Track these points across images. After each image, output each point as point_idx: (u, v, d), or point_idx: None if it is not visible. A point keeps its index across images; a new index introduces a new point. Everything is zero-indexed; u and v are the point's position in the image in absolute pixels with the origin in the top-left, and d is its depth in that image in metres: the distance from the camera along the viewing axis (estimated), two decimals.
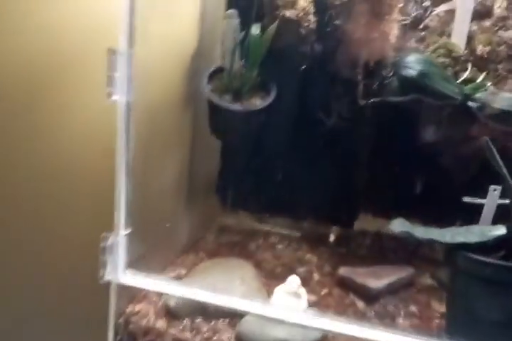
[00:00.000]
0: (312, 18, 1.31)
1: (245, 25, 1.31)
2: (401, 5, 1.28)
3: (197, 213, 1.54)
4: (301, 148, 1.41)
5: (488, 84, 1.27)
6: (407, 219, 1.12)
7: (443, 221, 1.12)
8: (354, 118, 1.37)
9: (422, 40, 1.39)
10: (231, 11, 1.32)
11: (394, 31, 1.27)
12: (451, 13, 1.37)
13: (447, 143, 1.33)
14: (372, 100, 1.32)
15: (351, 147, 1.40)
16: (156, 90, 1.20)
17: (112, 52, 0.95)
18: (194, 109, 1.42)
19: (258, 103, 1.35)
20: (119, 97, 0.97)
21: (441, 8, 1.37)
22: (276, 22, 1.26)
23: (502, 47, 1.33)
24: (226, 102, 1.33)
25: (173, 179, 1.40)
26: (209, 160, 1.52)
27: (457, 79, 1.32)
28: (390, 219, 1.12)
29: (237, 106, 1.33)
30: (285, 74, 1.36)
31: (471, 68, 1.33)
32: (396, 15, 1.27)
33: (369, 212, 1.47)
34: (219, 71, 1.38)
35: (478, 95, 1.27)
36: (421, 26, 1.39)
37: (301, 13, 1.29)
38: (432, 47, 1.36)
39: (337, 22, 1.28)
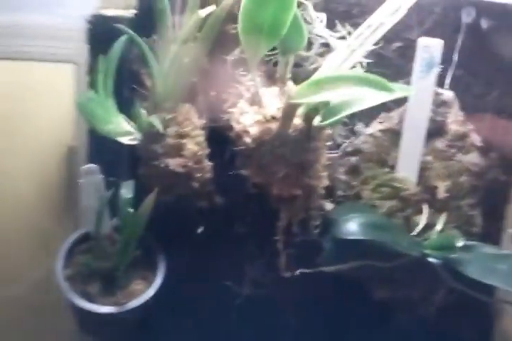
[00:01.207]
0: (207, 165, 1.11)
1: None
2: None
3: None
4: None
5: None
6: None
7: None
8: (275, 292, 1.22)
9: (353, 171, 1.17)
10: (90, 166, 1.14)
11: (321, 183, 1.07)
12: (391, 133, 1.17)
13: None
14: (299, 271, 1.12)
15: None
16: None
17: None
18: None
19: (138, 292, 1.15)
20: None
21: (376, 128, 1.17)
22: (153, 196, 1.05)
23: (464, 177, 1.15)
24: (89, 300, 1.13)
25: None
26: None
27: (409, 226, 1.15)
28: None
29: (106, 309, 1.11)
30: (177, 241, 1.19)
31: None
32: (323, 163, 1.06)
33: None
34: (82, 241, 1.18)
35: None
36: (349, 149, 1.18)
37: (191, 162, 1.07)
38: (371, 185, 1.16)
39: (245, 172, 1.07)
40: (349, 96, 0.90)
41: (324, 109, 0.99)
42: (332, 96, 0.90)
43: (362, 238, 1.04)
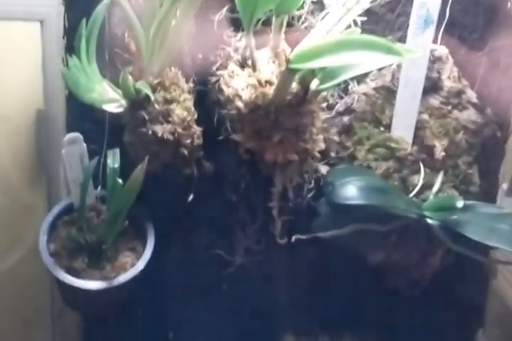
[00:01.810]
0: (196, 130, 1.13)
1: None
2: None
3: None
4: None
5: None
6: None
7: None
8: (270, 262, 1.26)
9: (346, 132, 1.22)
10: (73, 135, 1.15)
11: (316, 146, 1.11)
12: (384, 90, 1.20)
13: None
14: (295, 236, 1.15)
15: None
16: None
17: None
18: None
19: (129, 264, 1.18)
20: None
21: (370, 85, 1.21)
22: (142, 166, 1.07)
23: (460, 135, 1.19)
24: (77, 275, 1.15)
25: None
26: None
27: (406, 187, 1.19)
28: None
29: (94, 284, 1.14)
30: (166, 209, 1.21)
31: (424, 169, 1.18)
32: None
33: None
34: (65, 213, 1.20)
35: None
36: (341, 109, 1.23)
37: (180, 128, 1.09)
38: (365, 146, 1.20)
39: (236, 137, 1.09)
40: (353, 60, 0.92)
41: (321, 72, 1.00)
42: (335, 61, 0.90)
43: (361, 203, 1.07)
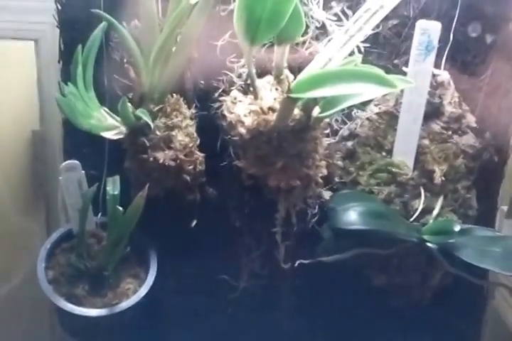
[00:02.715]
0: (199, 156, 1.11)
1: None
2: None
3: None
4: None
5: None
6: None
7: None
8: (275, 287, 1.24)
9: (350, 157, 1.20)
10: (71, 163, 1.12)
11: (319, 172, 1.09)
12: (387, 116, 1.18)
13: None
14: (299, 261, 1.12)
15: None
16: None
17: None
18: None
19: (131, 291, 1.15)
20: None
21: (373, 110, 1.19)
22: (143, 193, 1.04)
23: (460, 160, 1.18)
24: (78, 302, 1.12)
25: None
26: None
27: (407, 211, 1.17)
28: None
29: (95, 311, 1.11)
30: (169, 236, 1.19)
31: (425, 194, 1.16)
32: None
33: None
34: (64, 240, 1.17)
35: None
36: (345, 134, 1.21)
37: (182, 154, 1.07)
38: (368, 171, 1.18)
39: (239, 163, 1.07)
40: (349, 91, 0.91)
41: (323, 100, 0.99)
42: (334, 91, 0.90)
43: (362, 228, 1.06)
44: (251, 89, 1.03)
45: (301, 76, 0.96)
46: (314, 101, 0.99)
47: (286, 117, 0.99)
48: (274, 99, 1.02)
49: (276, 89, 1.03)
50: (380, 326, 1.29)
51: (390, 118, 1.17)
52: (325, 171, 1.09)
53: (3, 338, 1.31)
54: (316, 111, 1.00)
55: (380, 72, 0.86)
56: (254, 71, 1.00)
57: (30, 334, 1.37)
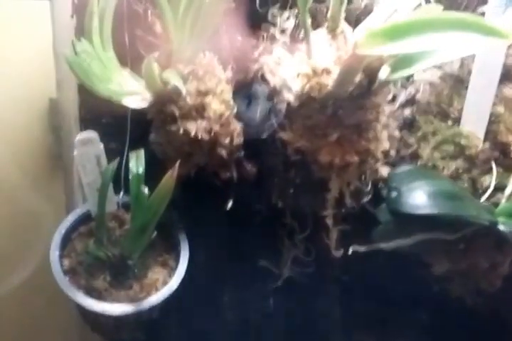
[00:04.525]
0: (236, 128, 0.93)
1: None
2: None
3: None
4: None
5: None
6: None
7: None
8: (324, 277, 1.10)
9: (408, 126, 1.00)
10: (86, 135, 0.96)
11: (381, 146, 0.89)
12: (451, 79, 1.01)
13: None
14: (353, 248, 0.97)
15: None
16: None
17: None
18: None
19: (160, 282, 0.98)
20: None
21: (435, 74, 0.99)
22: (173, 171, 0.87)
23: None
24: (98, 296, 0.95)
25: None
26: None
27: (475, 189, 1.01)
28: None
29: (119, 308, 0.93)
30: (202, 218, 1.02)
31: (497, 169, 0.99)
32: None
33: None
34: (81, 223, 1.01)
35: None
36: (403, 99, 1.00)
37: (217, 125, 0.89)
38: (432, 143, 0.99)
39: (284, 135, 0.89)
40: (441, 44, 0.70)
41: (393, 59, 0.80)
42: (417, 45, 0.69)
43: (433, 213, 0.90)
44: (300, 46, 0.85)
45: (370, 28, 0.78)
46: (381, 61, 0.80)
47: (349, 81, 0.80)
48: (332, 58, 0.83)
49: (332, 46, 0.83)
50: (440, 317, 1.16)
51: (456, 82, 1.01)
52: (387, 145, 0.92)
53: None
54: (383, 73, 0.81)
55: (482, 19, 0.64)
56: (309, 21, 0.77)
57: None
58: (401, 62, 0.79)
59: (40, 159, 1.15)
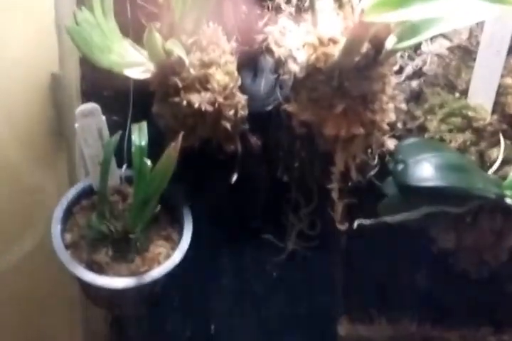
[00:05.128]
0: (241, 99, 0.90)
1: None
2: None
3: None
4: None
5: None
6: None
7: None
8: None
9: (415, 98, 0.98)
10: (88, 106, 0.92)
11: (386, 117, 0.87)
12: (459, 50, 0.98)
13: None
14: (358, 221, 0.95)
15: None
16: None
17: None
18: None
19: (162, 256, 0.95)
20: None
21: (442, 45, 0.97)
22: (176, 143, 0.84)
23: None
24: (100, 270, 0.92)
25: None
26: None
27: (483, 162, 0.99)
28: None
29: (121, 282, 0.91)
30: (205, 191, 1.01)
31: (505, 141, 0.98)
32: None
33: None
34: (83, 196, 0.98)
35: None
36: (410, 70, 0.98)
37: (221, 97, 0.86)
38: (438, 115, 0.97)
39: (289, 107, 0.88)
40: (452, 10, 0.67)
41: (400, 27, 0.78)
42: (425, 12, 0.67)
43: (440, 185, 0.88)
44: (305, 15, 0.81)
45: None
46: (388, 29, 0.77)
47: (356, 50, 0.78)
48: (339, 27, 0.81)
49: (339, 15, 0.80)
50: (446, 289, 1.15)
51: (463, 54, 0.99)
52: (393, 116, 0.90)
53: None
54: (389, 43, 0.79)
55: None
56: None
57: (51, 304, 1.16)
58: (408, 30, 0.77)
59: (42, 135, 1.12)
